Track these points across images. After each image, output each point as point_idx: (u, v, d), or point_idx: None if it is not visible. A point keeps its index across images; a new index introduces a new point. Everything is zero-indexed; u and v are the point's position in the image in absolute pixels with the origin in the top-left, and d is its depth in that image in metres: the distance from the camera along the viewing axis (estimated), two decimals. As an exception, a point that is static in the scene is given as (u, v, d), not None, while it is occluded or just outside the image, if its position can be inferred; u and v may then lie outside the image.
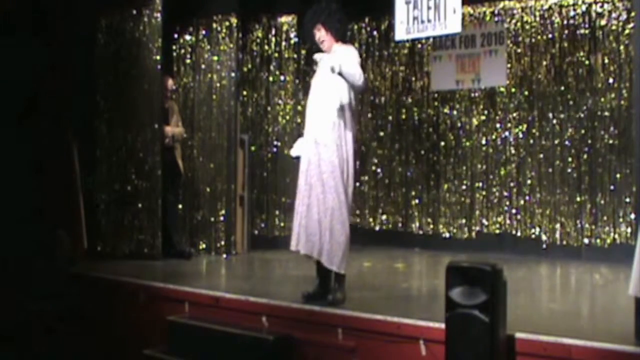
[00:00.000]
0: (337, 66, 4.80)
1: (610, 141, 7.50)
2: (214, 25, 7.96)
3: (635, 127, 4.64)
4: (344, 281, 5.05)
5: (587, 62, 7.65)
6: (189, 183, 7.94)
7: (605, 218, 7.52)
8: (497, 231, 8.19)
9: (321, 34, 5.09)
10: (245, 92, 8.40)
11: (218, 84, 7.93)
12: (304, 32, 5.25)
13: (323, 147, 4.92)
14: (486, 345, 3.79)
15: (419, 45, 8.72)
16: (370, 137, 9.02)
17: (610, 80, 7.49)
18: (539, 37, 7.93)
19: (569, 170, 7.75)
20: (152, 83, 7.44)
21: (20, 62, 7.07)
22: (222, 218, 7.82)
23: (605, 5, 7.52)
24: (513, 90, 8.09)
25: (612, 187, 7.48)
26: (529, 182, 8.00)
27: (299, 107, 8.32)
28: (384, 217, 8.98)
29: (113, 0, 7.68)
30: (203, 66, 8.01)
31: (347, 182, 4.97)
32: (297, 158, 5.15)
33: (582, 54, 7.67)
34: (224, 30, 7.94)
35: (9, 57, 7.00)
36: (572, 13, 7.72)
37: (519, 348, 3.97)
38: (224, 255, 7.74)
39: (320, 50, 5.13)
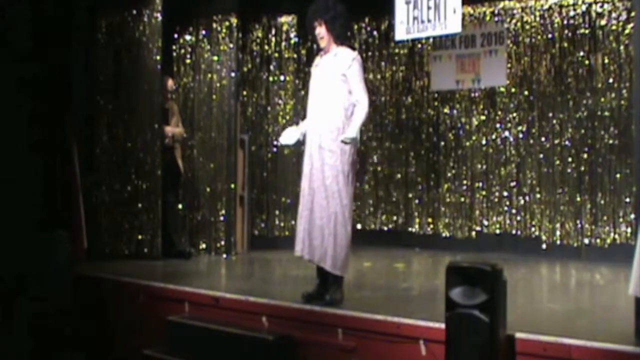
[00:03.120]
0: (351, 139, 4.90)
1: (610, 141, 7.50)
2: (214, 25, 7.96)
3: (635, 127, 4.64)
4: (342, 281, 5.06)
5: (587, 62, 7.65)
6: (189, 183, 7.94)
7: (605, 218, 7.52)
8: (497, 231, 8.19)
9: (321, 31, 5.07)
10: (245, 92, 8.40)
11: (218, 84, 7.93)
12: (306, 21, 5.22)
13: (328, 153, 4.94)
14: (486, 345, 3.79)
15: (419, 45, 8.73)
16: (370, 137, 9.01)
17: (610, 80, 7.49)
18: (539, 37, 7.93)
19: (569, 170, 7.75)
20: (152, 83, 7.44)
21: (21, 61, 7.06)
22: (222, 218, 7.82)
23: (605, 5, 7.52)
24: (513, 90, 8.09)
25: (612, 187, 7.49)
26: (529, 182, 8.00)
27: (299, 107, 8.32)
28: (384, 217, 8.98)
29: (113, 0, 7.68)
30: (203, 66, 8.01)
31: (349, 185, 4.99)
32: (287, 145, 5.35)
33: (582, 54, 7.67)
34: (224, 30, 7.94)
35: (9, 56, 6.99)
36: (572, 13, 7.72)
37: (519, 348, 3.97)
38: (224, 255, 7.73)
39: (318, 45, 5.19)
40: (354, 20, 8.97)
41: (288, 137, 5.23)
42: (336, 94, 4.98)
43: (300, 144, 5.32)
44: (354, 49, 5.40)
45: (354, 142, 4.94)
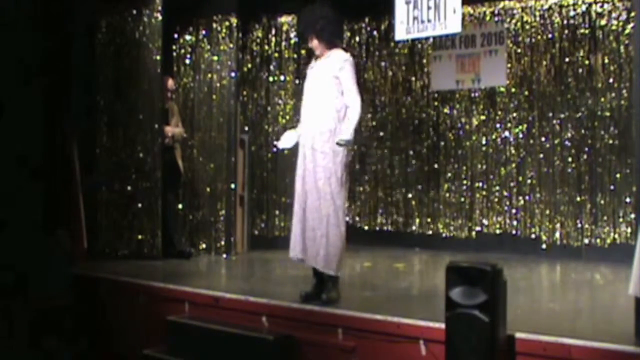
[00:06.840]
0: (346, 141, 4.84)
1: (610, 141, 7.50)
2: (214, 25, 7.96)
3: (635, 127, 4.64)
4: (337, 280, 5.08)
5: (587, 62, 7.65)
6: (189, 183, 7.94)
7: (605, 218, 7.52)
8: (497, 231, 8.19)
9: (313, 44, 5.17)
10: (245, 92, 8.40)
11: (218, 84, 7.93)
12: (300, 32, 5.28)
13: (320, 154, 4.96)
14: (486, 345, 3.79)
15: (419, 45, 8.72)
16: (370, 137, 9.01)
17: (610, 80, 7.50)
18: (539, 37, 7.93)
19: (569, 170, 7.75)
20: (152, 83, 7.44)
21: (20, 60, 7.06)
22: (222, 218, 7.82)
23: (605, 5, 7.52)
24: (513, 90, 8.09)
25: (612, 187, 7.49)
26: (529, 182, 8.00)
27: (299, 107, 8.30)
28: (384, 217, 8.98)
29: (113, 0, 7.68)
30: (203, 66, 8.01)
31: (343, 187, 4.99)
32: (284, 149, 5.38)
33: (582, 54, 7.67)
34: (224, 30, 7.94)
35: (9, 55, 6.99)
36: (572, 13, 7.72)
37: (519, 348, 3.97)
38: (224, 255, 7.73)
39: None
40: (354, 21, 8.99)
41: (287, 140, 5.28)
42: (328, 95, 5.01)
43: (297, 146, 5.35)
44: (346, 50, 5.41)
45: (349, 144, 4.93)
